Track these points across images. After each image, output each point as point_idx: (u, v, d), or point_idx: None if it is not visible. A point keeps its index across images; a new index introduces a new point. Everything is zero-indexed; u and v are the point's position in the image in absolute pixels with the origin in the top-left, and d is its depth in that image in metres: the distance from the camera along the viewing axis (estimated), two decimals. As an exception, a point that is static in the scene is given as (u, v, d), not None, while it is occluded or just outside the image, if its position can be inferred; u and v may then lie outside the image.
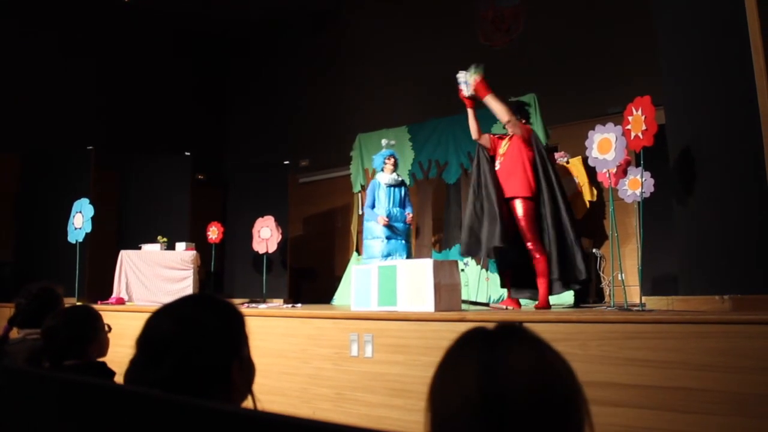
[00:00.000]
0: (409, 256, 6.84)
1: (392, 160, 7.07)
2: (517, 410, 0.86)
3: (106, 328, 2.73)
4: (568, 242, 5.45)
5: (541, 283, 5.42)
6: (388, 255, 6.74)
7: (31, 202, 9.58)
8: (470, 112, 5.70)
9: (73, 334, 2.52)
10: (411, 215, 6.97)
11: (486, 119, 7.63)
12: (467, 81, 5.56)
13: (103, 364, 2.56)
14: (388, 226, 6.79)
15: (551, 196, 5.51)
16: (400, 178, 7.10)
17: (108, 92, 11.14)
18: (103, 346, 2.67)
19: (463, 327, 1.05)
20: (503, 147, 5.70)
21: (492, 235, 5.33)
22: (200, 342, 1.35)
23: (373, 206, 7.00)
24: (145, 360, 1.34)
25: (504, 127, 5.73)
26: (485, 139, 5.81)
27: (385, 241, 6.82)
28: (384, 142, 7.35)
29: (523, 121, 5.77)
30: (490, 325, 1.01)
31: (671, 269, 5.37)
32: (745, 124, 3.89)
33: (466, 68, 5.65)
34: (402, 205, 7.00)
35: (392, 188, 6.99)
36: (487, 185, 5.54)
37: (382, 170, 7.06)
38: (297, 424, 0.74)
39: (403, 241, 6.91)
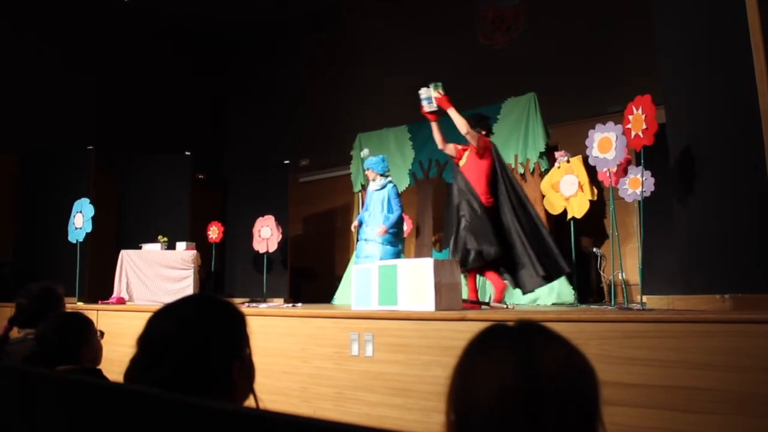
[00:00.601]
0: (385, 257, 6.75)
1: (371, 172, 7.16)
2: (554, 399, 0.93)
3: (98, 335, 2.72)
4: (546, 242, 5.70)
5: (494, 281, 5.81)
6: (366, 257, 6.89)
7: (32, 201, 9.58)
8: (434, 125, 5.94)
9: (65, 339, 2.53)
10: (384, 228, 6.86)
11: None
12: (430, 96, 5.80)
13: (99, 371, 2.55)
14: (374, 231, 6.94)
15: (518, 203, 5.76)
16: (383, 181, 7.12)
17: (108, 92, 11.13)
18: (96, 353, 2.67)
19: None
20: (464, 159, 5.95)
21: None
22: (201, 342, 1.35)
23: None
24: (146, 360, 1.34)
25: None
26: (450, 149, 6.05)
27: (365, 242, 7.02)
28: (362, 153, 7.48)
29: (484, 132, 5.98)
30: (510, 323, 1.06)
31: (672, 268, 5.37)
32: (746, 123, 3.89)
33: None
34: (387, 208, 7.04)
35: (376, 192, 7.10)
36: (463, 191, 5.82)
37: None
38: (300, 423, 0.74)
39: (382, 245, 6.93)
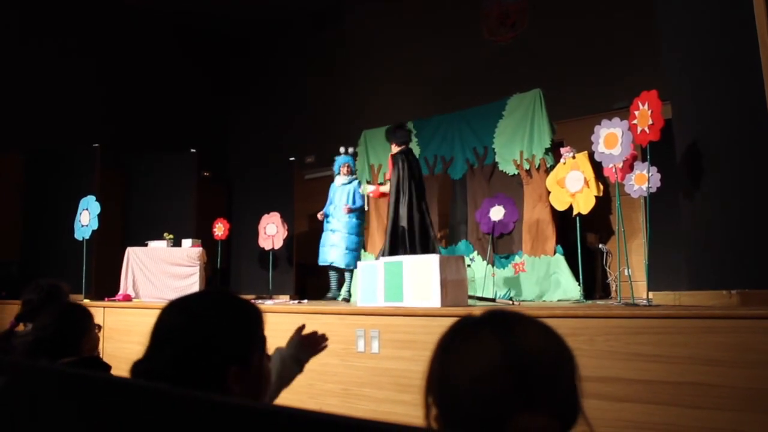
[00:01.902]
0: (350, 245, 7.99)
1: (347, 167, 8.26)
2: (540, 374, 0.97)
3: (96, 327, 2.76)
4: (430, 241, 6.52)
5: None
6: (332, 245, 8.00)
7: (38, 200, 9.60)
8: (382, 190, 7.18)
9: (67, 332, 2.57)
10: (347, 206, 8.04)
11: (487, 121, 7.71)
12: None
13: (97, 357, 2.61)
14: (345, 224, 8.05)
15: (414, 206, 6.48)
16: (350, 177, 8.31)
17: (113, 91, 11.15)
18: (95, 343, 2.72)
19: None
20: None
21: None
22: (197, 340, 1.31)
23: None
24: (149, 350, 1.34)
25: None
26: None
27: (331, 232, 8.11)
28: (342, 149, 8.35)
29: (395, 144, 6.76)
30: (477, 312, 1.10)
31: (678, 264, 5.36)
32: (753, 118, 3.88)
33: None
34: (351, 201, 8.12)
35: (342, 186, 8.20)
36: None
37: (339, 174, 8.31)
38: (310, 418, 0.74)
39: (348, 235, 8.06)
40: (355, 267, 7.55)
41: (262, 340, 1.40)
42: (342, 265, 8.09)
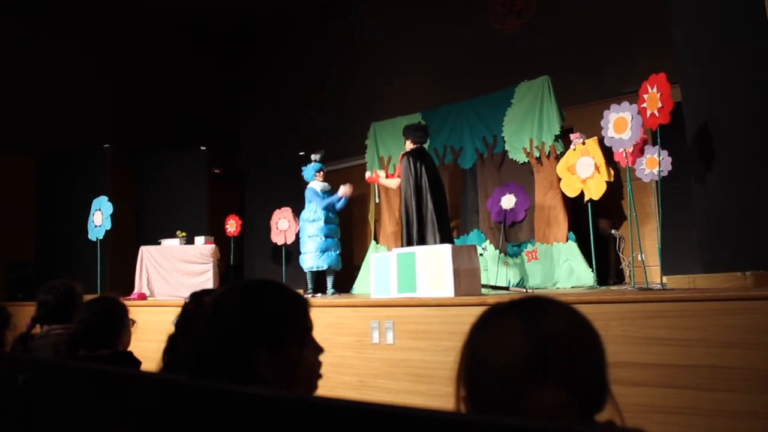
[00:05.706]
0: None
1: (321, 173, 8.16)
2: (560, 360, 0.97)
3: (130, 322, 2.80)
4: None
5: None
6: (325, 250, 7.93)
7: (51, 202, 9.67)
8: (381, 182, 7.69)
9: (107, 326, 2.63)
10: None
11: (496, 109, 7.70)
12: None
13: (131, 353, 2.64)
14: (327, 225, 8.00)
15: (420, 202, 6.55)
16: (329, 187, 8.19)
17: (122, 91, 11.18)
18: (129, 337, 2.76)
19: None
20: None
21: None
22: (233, 320, 1.35)
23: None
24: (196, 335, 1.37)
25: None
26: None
27: (323, 239, 7.93)
28: (313, 156, 8.26)
29: (410, 141, 6.74)
30: (507, 299, 1.10)
31: (692, 248, 5.34)
32: (765, 97, 3.85)
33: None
34: (332, 209, 8.06)
35: (325, 194, 8.01)
36: None
37: (314, 179, 8.11)
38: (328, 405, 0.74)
39: (336, 240, 8.14)
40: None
41: (304, 330, 1.40)
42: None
